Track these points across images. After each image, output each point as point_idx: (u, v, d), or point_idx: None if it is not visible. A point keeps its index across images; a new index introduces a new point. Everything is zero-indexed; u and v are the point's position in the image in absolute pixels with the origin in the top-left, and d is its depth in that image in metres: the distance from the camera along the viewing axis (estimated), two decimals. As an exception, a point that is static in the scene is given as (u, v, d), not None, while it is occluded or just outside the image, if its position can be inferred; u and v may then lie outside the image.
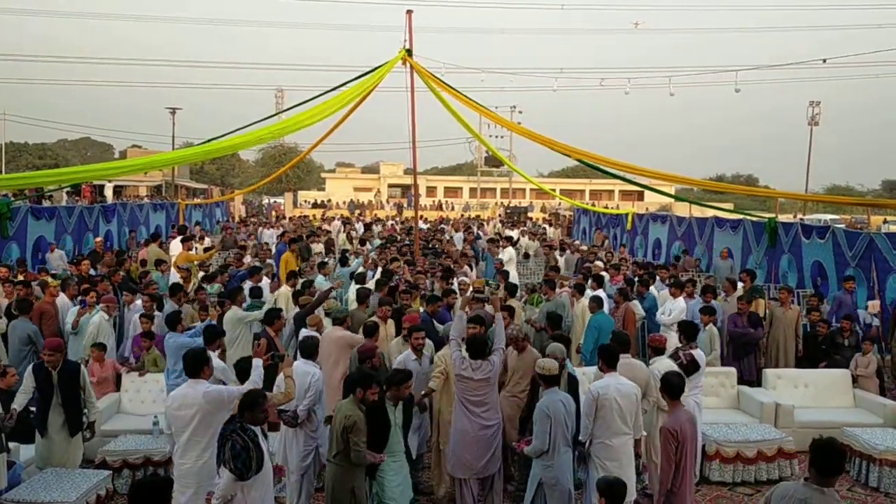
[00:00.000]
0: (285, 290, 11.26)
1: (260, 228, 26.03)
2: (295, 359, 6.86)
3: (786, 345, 10.30)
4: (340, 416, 5.50)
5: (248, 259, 15.59)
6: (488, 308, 8.07)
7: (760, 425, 8.23)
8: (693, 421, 5.73)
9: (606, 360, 6.12)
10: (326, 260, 14.70)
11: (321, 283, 11.95)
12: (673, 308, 10.34)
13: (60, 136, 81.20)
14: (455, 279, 11.78)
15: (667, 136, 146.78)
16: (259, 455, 4.83)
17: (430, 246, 19.48)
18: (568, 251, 18.89)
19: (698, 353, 7.40)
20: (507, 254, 16.31)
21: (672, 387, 5.62)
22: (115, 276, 11.72)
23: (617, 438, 5.86)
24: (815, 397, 9.09)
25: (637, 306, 11.22)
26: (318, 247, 19.62)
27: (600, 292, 11.15)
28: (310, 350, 6.71)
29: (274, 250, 17.19)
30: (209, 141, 13.74)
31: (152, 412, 8.07)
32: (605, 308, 10.77)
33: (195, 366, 5.54)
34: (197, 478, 5.33)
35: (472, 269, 13.74)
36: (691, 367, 6.75)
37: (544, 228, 32.09)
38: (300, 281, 11.31)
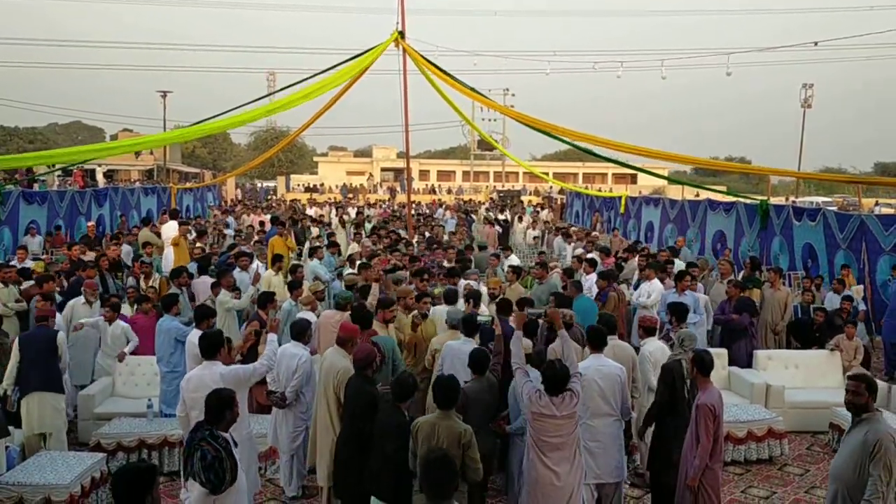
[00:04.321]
0: (269, 274, 11.10)
1: (217, 213, 25.58)
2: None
3: (775, 326, 10.39)
4: (448, 434, 4.80)
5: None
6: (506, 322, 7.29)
7: (751, 406, 8.32)
8: (722, 397, 5.70)
9: (593, 341, 6.09)
10: (319, 244, 14.62)
11: (315, 267, 11.92)
12: (651, 290, 10.38)
13: (51, 121, 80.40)
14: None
15: (659, 119, 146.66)
16: (233, 465, 4.40)
17: (423, 234, 18.57)
18: (573, 240, 17.21)
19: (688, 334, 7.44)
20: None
21: (704, 364, 5.61)
22: (103, 261, 11.70)
23: (599, 419, 5.83)
24: (805, 378, 9.18)
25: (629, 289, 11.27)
26: (316, 230, 19.60)
27: (593, 276, 11.19)
28: (300, 332, 6.69)
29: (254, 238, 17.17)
30: (199, 122, 13.72)
31: (146, 395, 8.09)
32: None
33: (211, 347, 5.57)
34: None
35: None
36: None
37: (537, 211, 32.10)
38: (288, 265, 11.27)
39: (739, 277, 11.34)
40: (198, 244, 14.73)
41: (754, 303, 10.08)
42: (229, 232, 19.84)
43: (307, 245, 15.77)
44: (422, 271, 10.09)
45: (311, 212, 27.47)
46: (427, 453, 4.53)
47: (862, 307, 11.48)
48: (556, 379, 5.18)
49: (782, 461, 7.85)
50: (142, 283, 11.03)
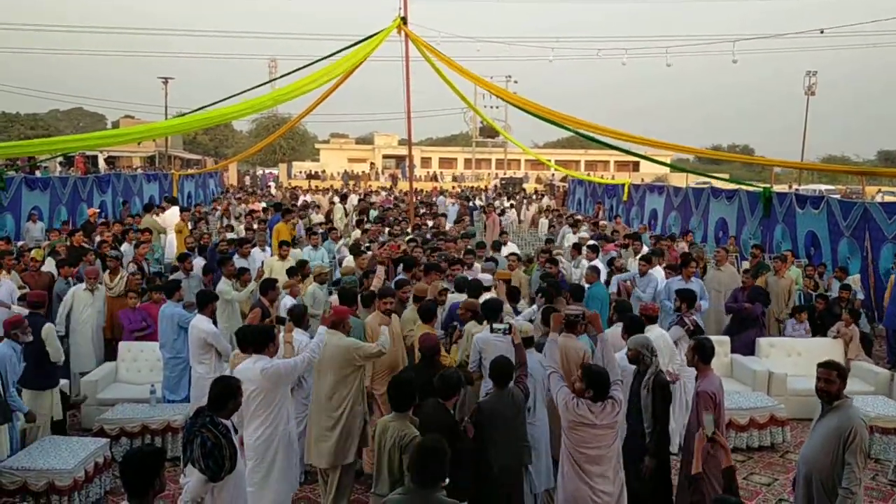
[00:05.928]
0: (272, 260, 11.00)
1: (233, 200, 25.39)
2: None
3: (779, 314, 10.38)
4: (393, 435, 4.68)
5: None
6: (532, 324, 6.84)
7: (753, 393, 8.33)
8: (722, 384, 5.65)
9: (630, 331, 6.04)
10: (317, 231, 14.47)
11: (307, 253, 11.89)
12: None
13: (52, 107, 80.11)
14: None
15: (663, 106, 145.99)
16: (232, 452, 4.34)
17: (426, 223, 17.77)
18: (579, 230, 16.83)
19: (699, 319, 7.45)
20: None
21: (705, 351, 5.55)
22: (103, 247, 11.70)
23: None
24: (807, 365, 9.13)
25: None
26: (317, 217, 19.55)
27: (597, 262, 11.16)
28: (297, 318, 6.63)
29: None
30: (201, 108, 13.67)
31: (149, 381, 8.11)
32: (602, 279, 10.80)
33: (260, 341, 5.49)
34: (252, 452, 5.31)
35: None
36: (697, 331, 6.83)
37: (532, 198, 32.03)
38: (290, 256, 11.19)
39: (747, 266, 11.31)
40: (195, 231, 14.71)
41: (767, 292, 10.06)
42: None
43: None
44: (434, 266, 9.37)
45: (308, 198, 27.39)
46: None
47: (860, 296, 11.47)
48: (600, 382, 4.75)
49: (784, 448, 7.87)
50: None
